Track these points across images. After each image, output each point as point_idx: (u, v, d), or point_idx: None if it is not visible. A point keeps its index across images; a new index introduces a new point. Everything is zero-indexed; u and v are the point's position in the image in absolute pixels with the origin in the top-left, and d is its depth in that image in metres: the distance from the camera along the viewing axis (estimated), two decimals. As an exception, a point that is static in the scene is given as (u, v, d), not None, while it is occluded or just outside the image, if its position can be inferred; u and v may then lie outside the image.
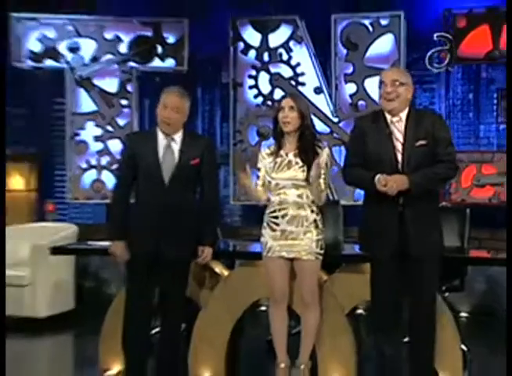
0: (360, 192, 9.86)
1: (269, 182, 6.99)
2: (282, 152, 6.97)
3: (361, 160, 6.58)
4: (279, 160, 6.95)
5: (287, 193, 6.88)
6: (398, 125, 6.47)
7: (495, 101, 11.57)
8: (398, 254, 6.40)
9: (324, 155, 6.94)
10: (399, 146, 6.41)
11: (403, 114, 6.49)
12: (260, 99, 12.29)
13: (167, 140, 7.07)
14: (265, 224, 7.00)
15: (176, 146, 7.07)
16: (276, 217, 6.90)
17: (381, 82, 6.52)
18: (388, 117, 6.51)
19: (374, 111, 6.88)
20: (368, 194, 6.71)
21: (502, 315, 10.01)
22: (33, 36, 12.75)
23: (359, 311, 7.88)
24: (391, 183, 6.20)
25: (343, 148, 11.75)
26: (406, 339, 6.67)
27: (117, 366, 7.59)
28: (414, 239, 6.35)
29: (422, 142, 6.36)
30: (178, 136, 7.10)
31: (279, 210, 6.89)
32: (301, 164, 6.87)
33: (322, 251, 6.89)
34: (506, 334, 4.91)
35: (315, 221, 6.89)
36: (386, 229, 6.45)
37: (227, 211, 12.30)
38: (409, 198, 6.30)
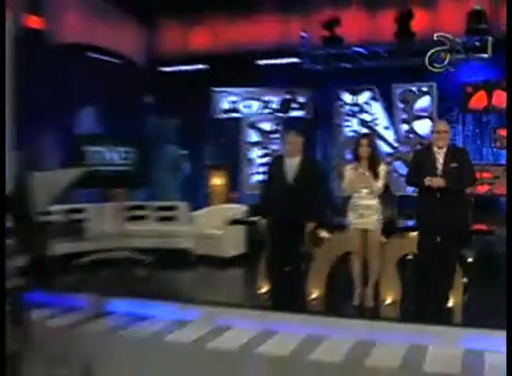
0: (410, 188, 9.77)
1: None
2: (360, 168, 6.94)
3: (417, 174, 6.62)
4: (358, 172, 6.93)
5: (362, 191, 6.88)
6: (441, 154, 6.55)
7: (491, 134, 11.33)
8: (437, 225, 6.50)
9: (383, 169, 6.97)
10: (440, 167, 6.51)
11: (445, 149, 6.56)
12: (352, 134, 12.13)
13: (290, 160, 7.12)
14: (349, 209, 7.01)
15: (295, 164, 7.10)
16: (356, 205, 6.91)
17: (435, 130, 6.70)
18: (435, 149, 6.59)
19: (426, 146, 7.05)
20: (421, 191, 6.71)
21: (495, 260, 9.72)
22: (225, 100, 12.94)
23: (409, 257, 7.74)
24: (434, 180, 6.40)
25: (400, 162, 11.76)
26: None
27: (266, 287, 7.60)
28: (446, 217, 6.44)
29: (454, 164, 6.48)
30: (297, 159, 7.11)
31: (358, 201, 6.91)
32: (370, 175, 6.89)
33: (381, 225, 6.92)
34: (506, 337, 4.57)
35: (378, 208, 6.90)
36: (430, 210, 6.52)
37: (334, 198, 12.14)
38: (443, 193, 6.42)
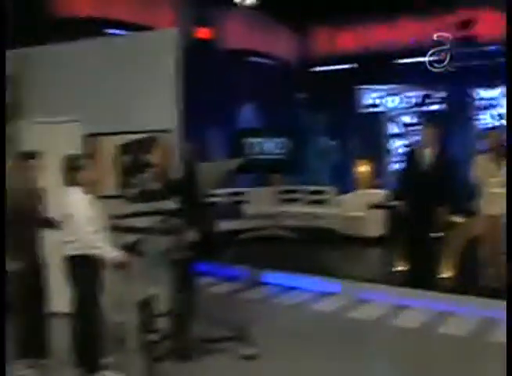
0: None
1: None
2: (490, 158, 6.64)
3: None
4: (488, 162, 6.63)
5: (492, 180, 6.56)
6: None
7: None
8: None
9: None
10: None
11: None
12: (484, 127, 11.68)
13: (427, 151, 6.90)
14: (480, 196, 6.71)
15: (431, 154, 6.88)
16: (486, 192, 6.61)
17: None
18: None
19: None
20: None
21: None
22: (368, 96, 12.87)
23: None
24: None
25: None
26: None
27: (402, 265, 7.38)
28: None
29: None
30: (433, 149, 6.89)
31: (488, 189, 6.59)
32: (499, 165, 6.53)
33: None
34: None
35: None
36: None
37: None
38: None
